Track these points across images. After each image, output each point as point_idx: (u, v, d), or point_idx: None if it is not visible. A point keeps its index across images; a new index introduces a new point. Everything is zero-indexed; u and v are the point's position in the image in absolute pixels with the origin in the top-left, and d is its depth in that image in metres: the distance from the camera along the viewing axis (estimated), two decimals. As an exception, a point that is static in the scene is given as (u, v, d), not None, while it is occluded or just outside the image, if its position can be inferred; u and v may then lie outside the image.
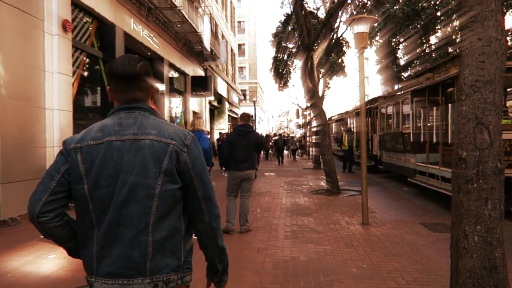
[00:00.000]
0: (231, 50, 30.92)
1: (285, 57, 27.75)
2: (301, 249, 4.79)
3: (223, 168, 9.12)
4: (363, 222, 6.20)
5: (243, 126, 5.76)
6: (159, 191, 1.28)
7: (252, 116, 6.18)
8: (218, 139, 17.78)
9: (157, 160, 1.29)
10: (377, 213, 7.05)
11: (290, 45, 26.92)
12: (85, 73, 8.82)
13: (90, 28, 8.84)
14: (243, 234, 5.56)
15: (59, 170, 1.31)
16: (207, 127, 20.90)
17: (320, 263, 4.25)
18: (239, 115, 6.30)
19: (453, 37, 24.11)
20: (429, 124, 8.73)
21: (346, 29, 21.72)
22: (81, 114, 8.75)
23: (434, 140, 8.15)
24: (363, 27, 6.40)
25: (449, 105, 7.43)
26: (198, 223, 1.40)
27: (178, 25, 13.70)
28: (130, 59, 1.37)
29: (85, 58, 8.67)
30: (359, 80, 6.41)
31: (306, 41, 9.88)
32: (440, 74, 8.49)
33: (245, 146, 5.59)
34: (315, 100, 10.62)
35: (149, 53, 12.58)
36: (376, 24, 24.53)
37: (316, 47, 10.45)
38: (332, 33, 15.04)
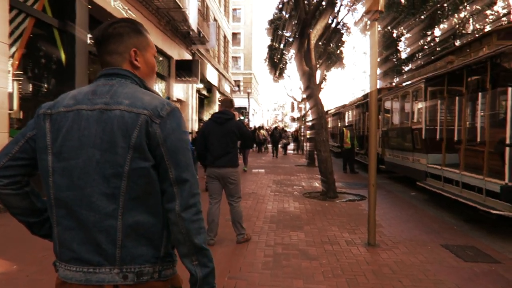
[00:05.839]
0: (224, 36, 29.23)
1: (281, 46, 26.26)
2: (284, 290, 3.33)
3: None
4: (369, 242, 4.75)
5: (221, 112, 4.69)
6: (128, 169, 1.07)
7: (234, 101, 4.95)
8: (197, 131, 15.47)
9: (126, 134, 1.07)
10: (385, 227, 5.61)
11: (287, 34, 25.43)
12: (33, 43, 7.21)
13: (40, -11, 7.23)
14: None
15: (25, 135, 1.17)
16: (194, 117, 19.32)
17: (312, 321, 2.79)
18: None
19: (460, 28, 22.69)
20: (447, 119, 7.25)
21: (347, 13, 20.37)
22: (28, 92, 7.16)
23: (456, 138, 6.66)
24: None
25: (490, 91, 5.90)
26: (168, 212, 1.12)
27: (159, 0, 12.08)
28: (108, 22, 1.20)
29: (32, 25, 7.06)
30: (370, 57, 4.92)
31: (303, 15, 8.35)
32: (464, 57, 7.00)
33: (222, 137, 4.52)
34: (311, 88, 9.11)
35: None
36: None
37: (314, 25, 8.91)
38: (331, 17, 13.50)
